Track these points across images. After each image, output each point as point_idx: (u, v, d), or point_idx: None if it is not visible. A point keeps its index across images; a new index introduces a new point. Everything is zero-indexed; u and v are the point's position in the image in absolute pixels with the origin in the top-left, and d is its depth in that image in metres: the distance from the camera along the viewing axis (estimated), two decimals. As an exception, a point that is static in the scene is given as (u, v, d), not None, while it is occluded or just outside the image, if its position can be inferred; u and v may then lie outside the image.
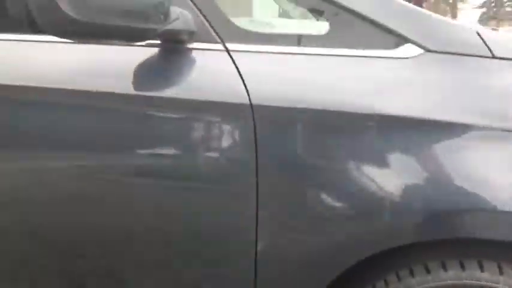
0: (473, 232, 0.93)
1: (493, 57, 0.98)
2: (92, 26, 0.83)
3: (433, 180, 0.92)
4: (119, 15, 0.85)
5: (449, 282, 0.94)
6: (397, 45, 0.98)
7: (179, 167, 0.99)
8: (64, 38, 0.88)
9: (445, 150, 0.92)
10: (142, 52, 1.00)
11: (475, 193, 0.91)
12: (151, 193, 1.00)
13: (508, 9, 48.91)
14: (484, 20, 42.50)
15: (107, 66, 1.03)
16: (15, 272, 1.11)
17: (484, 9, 49.97)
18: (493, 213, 0.90)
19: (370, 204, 0.92)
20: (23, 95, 1.03)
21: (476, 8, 48.42)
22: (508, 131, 0.92)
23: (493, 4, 50.14)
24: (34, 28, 0.95)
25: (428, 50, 0.97)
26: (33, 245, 1.08)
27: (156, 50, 1.01)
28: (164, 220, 1.02)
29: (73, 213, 1.03)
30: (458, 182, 0.91)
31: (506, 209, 0.89)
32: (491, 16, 45.38)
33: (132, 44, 0.99)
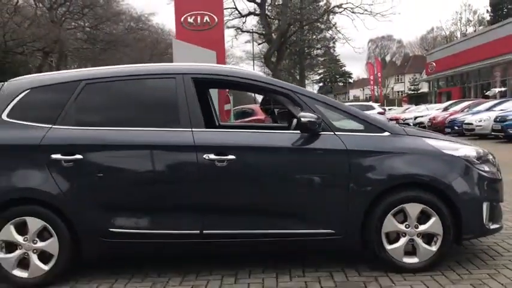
0: None
1: (405, 134, 3.27)
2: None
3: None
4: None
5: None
6: (382, 131, 3.22)
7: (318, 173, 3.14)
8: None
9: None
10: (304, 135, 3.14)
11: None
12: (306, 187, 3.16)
13: (340, 84, 58.34)
14: (323, 92, 49.81)
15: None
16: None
17: (321, 84, 58.75)
18: None
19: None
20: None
21: (315, 82, 56.92)
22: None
23: (328, 80, 59.49)
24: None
25: (391, 133, 3.23)
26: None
27: (306, 134, 3.13)
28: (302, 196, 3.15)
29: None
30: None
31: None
32: (327, 90, 53.65)
33: (305, 132, 3.11)
